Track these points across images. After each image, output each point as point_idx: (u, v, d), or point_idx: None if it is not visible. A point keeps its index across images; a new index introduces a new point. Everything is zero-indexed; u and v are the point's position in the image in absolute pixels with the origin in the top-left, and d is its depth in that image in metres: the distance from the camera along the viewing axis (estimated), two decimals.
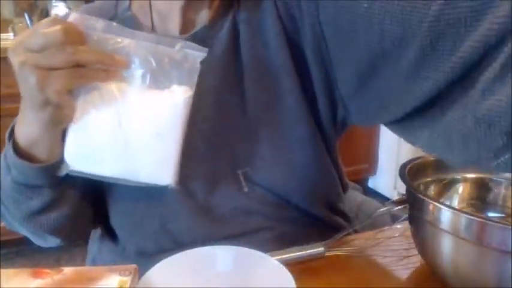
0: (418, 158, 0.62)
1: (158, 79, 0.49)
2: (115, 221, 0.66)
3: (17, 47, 0.44)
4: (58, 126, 0.50)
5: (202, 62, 0.49)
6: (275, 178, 0.62)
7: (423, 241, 0.54)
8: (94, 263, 0.73)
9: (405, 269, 0.60)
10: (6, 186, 0.57)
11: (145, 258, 0.61)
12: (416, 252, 0.58)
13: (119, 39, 0.47)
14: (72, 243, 0.67)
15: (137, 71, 0.48)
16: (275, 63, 0.60)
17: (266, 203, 0.63)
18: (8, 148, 0.54)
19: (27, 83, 0.44)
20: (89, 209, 0.66)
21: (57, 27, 0.42)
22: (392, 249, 0.62)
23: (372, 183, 2.66)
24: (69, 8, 2.06)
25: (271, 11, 0.60)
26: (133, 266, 0.48)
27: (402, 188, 0.53)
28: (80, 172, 0.51)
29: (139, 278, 0.47)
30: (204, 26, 0.62)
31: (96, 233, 0.74)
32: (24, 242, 1.98)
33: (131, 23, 0.63)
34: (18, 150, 0.53)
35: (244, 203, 0.62)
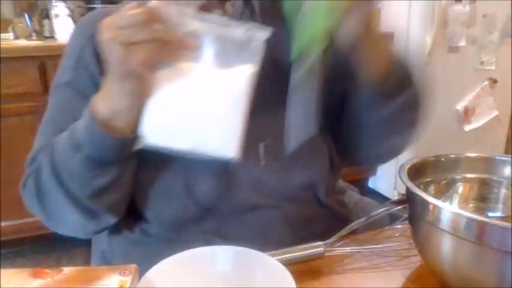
0: (418, 158, 0.62)
1: (226, 58, 0.53)
2: (141, 193, 0.67)
3: (107, 26, 0.50)
4: (140, 99, 0.54)
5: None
6: (290, 156, 0.65)
7: (423, 241, 0.54)
8: (104, 258, 0.73)
9: (405, 269, 0.60)
10: (72, 166, 0.59)
11: (162, 241, 0.66)
12: (416, 252, 0.58)
13: (191, 22, 0.52)
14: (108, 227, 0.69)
15: (207, 51, 0.53)
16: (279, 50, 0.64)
17: (278, 179, 0.68)
18: (83, 125, 0.57)
19: (114, 56, 0.50)
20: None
21: (142, 9, 0.49)
22: (393, 249, 0.62)
23: (372, 183, 2.66)
24: (69, 8, 2.06)
25: None
26: (133, 266, 0.48)
27: (402, 188, 0.54)
28: (154, 146, 0.55)
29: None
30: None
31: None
32: (24, 242, 2.00)
33: None
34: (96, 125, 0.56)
35: (259, 175, 0.67)
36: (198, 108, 0.54)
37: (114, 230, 0.72)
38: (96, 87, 0.63)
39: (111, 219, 0.66)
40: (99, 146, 0.57)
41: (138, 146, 0.55)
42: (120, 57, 0.50)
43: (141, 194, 0.67)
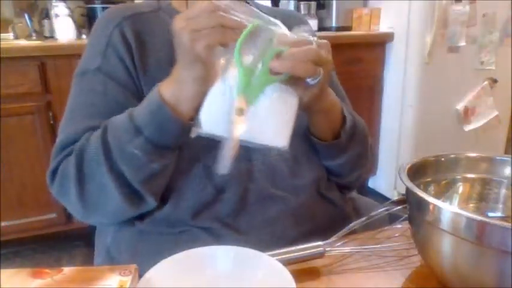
0: (418, 158, 0.62)
1: None
2: None
3: (179, 17, 0.55)
4: (205, 86, 0.57)
5: None
6: (299, 145, 0.71)
7: (423, 241, 0.54)
8: (108, 254, 0.74)
9: (405, 269, 0.60)
10: (130, 149, 0.61)
11: (169, 233, 0.68)
12: (416, 252, 0.58)
13: (247, 18, 0.55)
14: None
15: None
16: None
17: (289, 169, 0.72)
18: (146, 109, 0.60)
19: (182, 43, 0.54)
20: None
21: (207, 1, 0.54)
22: (393, 249, 0.62)
23: (372, 183, 2.66)
24: (69, 8, 2.06)
25: None
26: (133, 266, 0.48)
27: (402, 188, 0.54)
28: (209, 134, 0.57)
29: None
30: None
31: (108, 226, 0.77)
32: (24, 242, 2.00)
33: (172, 13, 0.71)
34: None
35: (272, 162, 0.71)
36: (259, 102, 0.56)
37: (122, 224, 0.73)
38: (126, 71, 0.69)
39: (152, 204, 0.67)
40: (162, 129, 0.60)
41: (193, 134, 0.58)
42: (188, 43, 0.54)
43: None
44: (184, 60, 0.57)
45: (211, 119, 0.58)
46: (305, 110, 0.64)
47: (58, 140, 0.69)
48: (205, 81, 0.57)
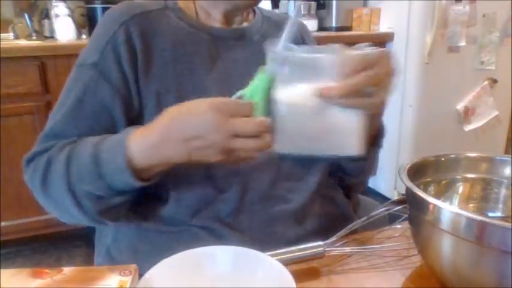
0: (418, 158, 0.62)
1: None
2: (162, 179, 0.68)
3: (223, 111, 0.55)
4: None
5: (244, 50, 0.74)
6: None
7: (423, 241, 0.54)
8: (108, 254, 0.74)
9: (405, 269, 0.60)
10: (90, 189, 0.61)
11: (171, 232, 0.68)
12: (416, 252, 0.58)
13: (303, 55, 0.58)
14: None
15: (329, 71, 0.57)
16: None
17: (290, 166, 0.73)
18: (112, 158, 0.59)
19: (215, 138, 0.55)
20: None
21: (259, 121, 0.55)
22: (393, 249, 0.62)
23: (372, 183, 2.66)
24: (69, 8, 2.06)
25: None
26: (133, 266, 0.48)
27: (402, 188, 0.53)
28: (285, 154, 0.60)
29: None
30: (246, 24, 0.79)
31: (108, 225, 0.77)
32: (24, 242, 1.99)
33: (179, 13, 0.75)
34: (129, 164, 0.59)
35: (272, 159, 0.71)
36: (329, 117, 0.57)
37: (122, 223, 0.73)
38: (121, 73, 0.68)
39: (111, 224, 0.69)
40: (125, 184, 0.60)
41: (272, 155, 0.61)
42: (223, 144, 0.54)
43: (161, 180, 0.68)
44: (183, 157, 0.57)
45: (290, 141, 0.60)
46: None
47: (46, 127, 0.70)
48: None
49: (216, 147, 0.54)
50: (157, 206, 0.69)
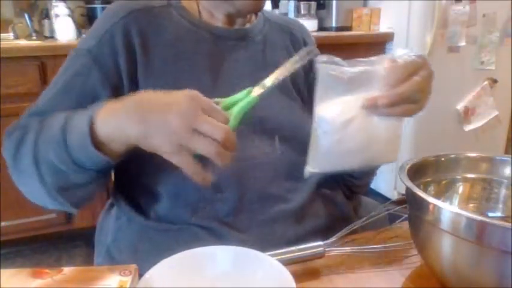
0: (418, 158, 0.62)
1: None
2: (159, 175, 0.69)
3: (194, 103, 0.53)
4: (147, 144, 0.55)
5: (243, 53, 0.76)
6: (303, 146, 0.72)
7: (423, 241, 0.54)
8: (108, 254, 0.74)
9: (405, 269, 0.60)
10: (53, 157, 0.59)
11: (171, 230, 0.68)
12: (416, 252, 0.58)
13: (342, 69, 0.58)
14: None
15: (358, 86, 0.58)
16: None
17: (292, 169, 0.73)
18: (80, 128, 0.57)
19: (174, 124, 0.51)
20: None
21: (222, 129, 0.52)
22: (393, 249, 0.62)
23: (372, 183, 2.66)
24: (69, 8, 2.06)
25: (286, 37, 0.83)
26: (133, 266, 0.48)
27: (402, 188, 0.53)
28: (320, 173, 0.61)
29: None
30: (248, 25, 0.80)
31: (109, 217, 0.78)
32: (24, 242, 1.99)
33: (182, 11, 0.75)
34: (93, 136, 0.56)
35: (275, 161, 0.72)
36: (371, 127, 0.58)
37: (123, 222, 0.73)
38: (115, 65, 0.68)
39: (73, 211, 0.66)
40: (89, 158, 0.57)
41: (307, 175, 0.61)
42: (180, 133, 0.51)
43: (158, 169, 0.68)
44: (156, 127, 0.52)
45: (326, 160, 0.60)
46: None
47: (35, 104, 0.69)
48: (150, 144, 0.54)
49: (173, 135, 0.51)
50: (158, 202, 0.69)
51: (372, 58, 0.58)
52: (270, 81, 0.58)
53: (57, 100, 0.68)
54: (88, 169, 0.59)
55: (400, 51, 0.59)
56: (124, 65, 0.68)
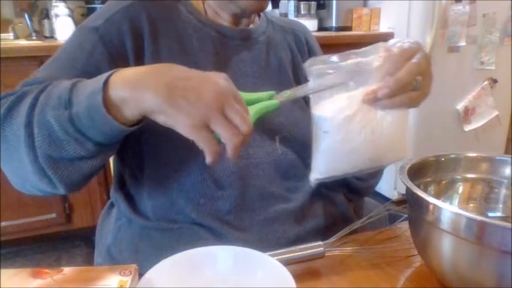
0: (418, 158, 0.62)
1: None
2: (161, 170, 0.68)
3: (223, 79, 0.53)
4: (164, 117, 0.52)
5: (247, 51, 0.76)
6: (303, 147, 0.72)
7: (423, 241, 0.54)
8: (109, 254, 0.74)
9: (405, 269, 0.60)
10: (51, 117, 0.53)
11: (173, 229, 0.68)
12: (416, 252, 0.58)
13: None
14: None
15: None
16: (286, 65, 0.81)
17: (292, 168, 0.73)
18: (90, 89, 0.52)
19: (203, 99, 0.50)
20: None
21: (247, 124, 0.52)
22: (392, 249, 0.62)
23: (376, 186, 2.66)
24: (69, 8, 2.06)
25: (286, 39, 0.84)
26: (134, 266, 0.48)
27: (402, 188, 0.54)
28: (326, 178, 0.59)
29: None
30: (252, 26, 0.80)
31: (110, 217, 0.77)
32: (24, 242, 2.00)
33: (190, 8, 0.76)
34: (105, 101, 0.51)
35: (276, 160, 0.72)
36: (375, 123, 0.56)
37: (123, 222, 0.73)
38: (122, 45, 0.68)
39: (61, 192, 0.59)
40: (90, 118, 0.52)
41: (313, 183, 0.61)
42: (207, 107, 0.49)
43: (160, 165, 0.68)
44: (190, 120, 0.49)
45: (331, 165, 0.59)
46: None
47: (33, 75, 0.65)
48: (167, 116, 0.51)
49: (204, 107, 0.49)
50: (158, 197, 0.69)
51: (365, 48, 0.56)
52: (295, 93, 0.58)
53: (58, 73, 0.64)
54: (87, 139, 0.53)
55: (393, 41, 0.58)
56: (130, 47, 0.68)
